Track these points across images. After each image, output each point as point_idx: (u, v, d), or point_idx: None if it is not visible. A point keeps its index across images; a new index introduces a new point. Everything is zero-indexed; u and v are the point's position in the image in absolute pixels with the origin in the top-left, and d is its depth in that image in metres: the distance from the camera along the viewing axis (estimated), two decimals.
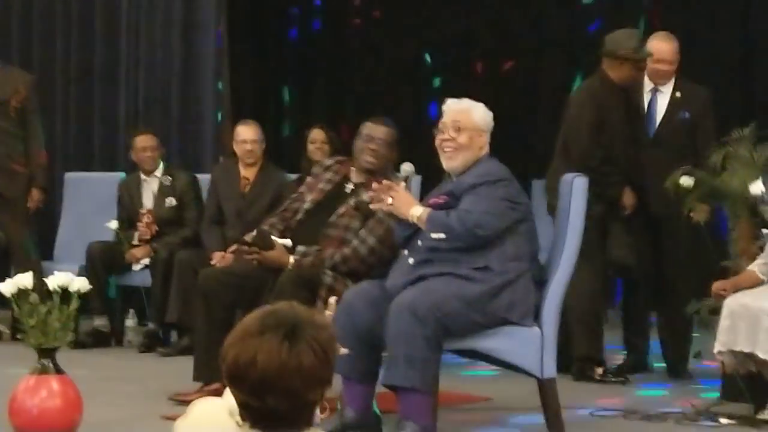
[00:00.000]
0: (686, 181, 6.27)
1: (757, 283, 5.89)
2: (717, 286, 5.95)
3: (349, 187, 6.10)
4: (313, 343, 2.34)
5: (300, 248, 5.97)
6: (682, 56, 6.99)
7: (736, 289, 5.85)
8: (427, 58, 10.85)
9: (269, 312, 2.41)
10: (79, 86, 9.55)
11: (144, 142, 8.27)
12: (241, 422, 2.41)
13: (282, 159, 9.07)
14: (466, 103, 5.45)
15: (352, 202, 6.02)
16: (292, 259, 5.90)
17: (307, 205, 6.14)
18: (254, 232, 6.03)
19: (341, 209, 6.01)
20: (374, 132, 6.02)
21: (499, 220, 5.23)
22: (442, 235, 5.20)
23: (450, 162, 5.39)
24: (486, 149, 5.42)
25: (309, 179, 6.31)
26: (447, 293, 5.16)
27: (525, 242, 5.34)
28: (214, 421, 2.47)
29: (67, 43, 9.60)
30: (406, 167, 5.53)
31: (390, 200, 5.33)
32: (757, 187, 6.08)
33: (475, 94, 5.62)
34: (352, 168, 6.13)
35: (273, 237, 5.99)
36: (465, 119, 5.37)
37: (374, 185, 5.50)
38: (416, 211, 5.28)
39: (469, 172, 5.34)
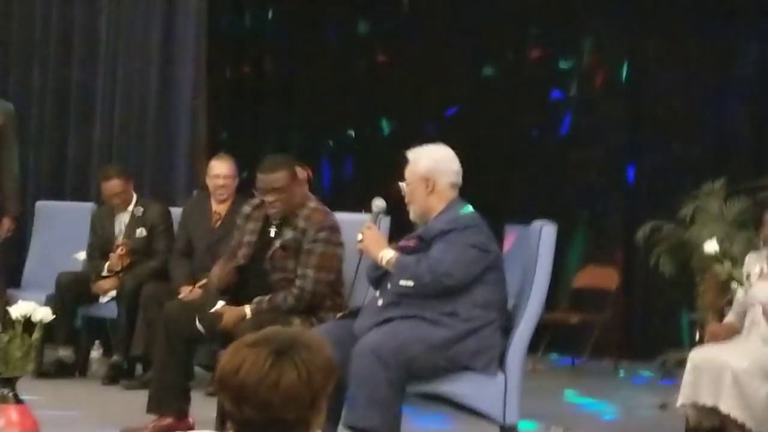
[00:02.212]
0: (711, 247, 6.16)
1: (733, 334, 5.93)
2: (713, 329, 5.95)
3: (272, 230, 6.17)
4: (299, 364, 2.36)
5: (255, 300, 6.04)
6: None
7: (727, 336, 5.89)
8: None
9: (272, 329, 2.46)
10: (55, 114, 9.51)
11: (111, 189, 8.16)
12: None
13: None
14: (417, 152, 5.43)
15: (277, 244, 6.09)
16: (248, 309, 5.96)
17: (240, 262, 6.22)
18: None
19: (270, 253, 6.10)
20: (265, 183, 6.05)
21: (468, 269, 5.21)
22: (410, 283, 5.19)
23: (410, 215, 5.43)
24: (446, 194, 5.38)
25: (236, 233, 6.38)
26: (412, 337, 5.15)
27: (493, 290, 5.32)
28: None
29: (44, 70, 9.57)
30: (378, 203, 5.52)
31: (359, 237, 5.35)
32: (711, 246, 6.09)
33: (451, 141, 5.60)
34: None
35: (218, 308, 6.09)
36: (409, 172, 5.40)
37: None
38: (386, 255, 5.28)
39: (439, 218, 5.33)
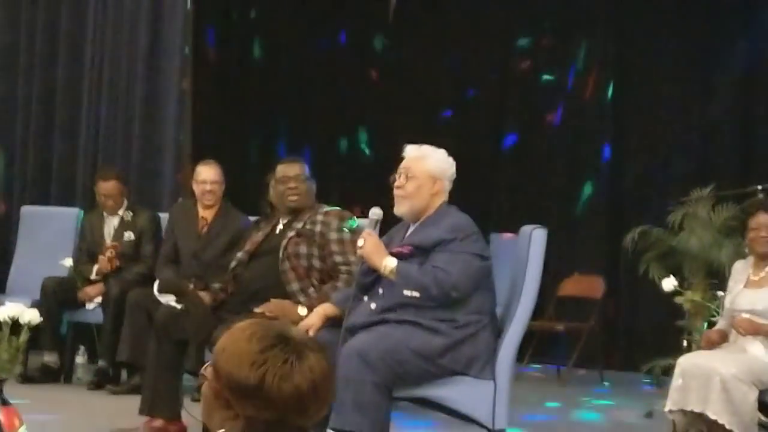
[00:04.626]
0: (669, 284, 6.17)
1: (725, 340, 5.94)
2: (708, 335, 5.95)
3: (279, 228, 6.27)
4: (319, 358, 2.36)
5: (298, 294, 6.03)
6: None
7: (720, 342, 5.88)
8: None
9: (261, 329, 2.38)
10: (40, 119, 9.49)
11: (108, 190, 8.18)
12: None
13: (244, 198, 9.00)
14: (422, 149, 5.42)
15: (291, 233, 6.14)
16: (302, 310, 5.94)
17: (240, 255, 6.30)
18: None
19: (284, 243, 6.13)
20: (288, 171, 6.30)
21: (473, 279, 5.19)
22: (415, 294, 5.15)
23: (397, 208, 5.38)
24: (443, 197, 5.38)
25: (243, 244, 6.50)
26: (402, 341, 5.12)
27: (487, 295, 5.32)
28: None
29: (29, 76, 9.55)
30: (376, 211, 5.42)
31: (361, 243, 5.30)
32: (669, 284, 6.09)
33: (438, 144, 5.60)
34: (279, 216, 6.37)
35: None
36: (416, 166, 5.35)
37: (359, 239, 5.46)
38: (388, 263, 5.20)
39: (434, 224, 5.29)
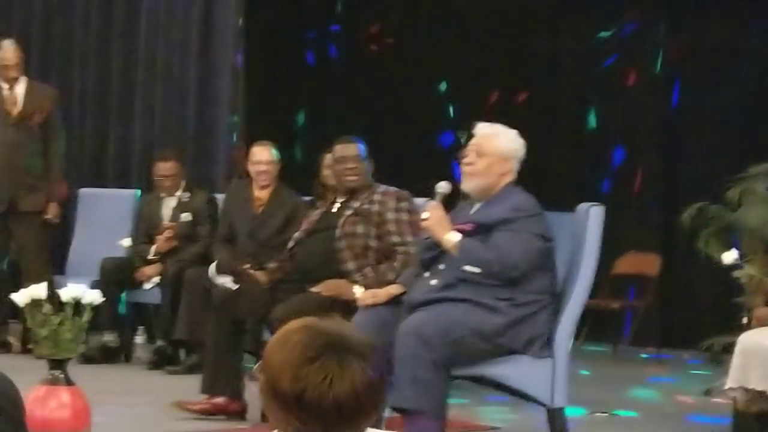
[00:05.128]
0: (730, 257, 6.12)
1: None
2: (760, 314, 5.91)
3: (336, 206, 6.30)
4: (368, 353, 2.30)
5: (354, 274, 6.05)
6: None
7: None
8: (443, 87, 10.86)
9: (330, 338, 2.29)
10: (96, 102, 9.56)
11: (166, 170, 8.30)
12: None
13: (293, 182, 9.03)
14: (494, 128, 5.44)
15: (348, 212, 6.16)
16: (357, 288, 5.91)
17: (297, 235, 6.35)
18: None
19: (341, 221, 6.15)
20: (346, 152, 6.29)
21: (534, 259, 5.20)
22: (476, 270, 5.15)
23: (464, 185, 5.40)
24: (510, 177, 5.38)
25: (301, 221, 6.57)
26: (459, 320, 5.13)
27: (548, 276, 5.32)
28: None
29: (85, 60, 9.62)
30: (443, 185, 5.42)
31: (425, 215, 5.31)
32: (730, 257, 6.05)
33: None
34: (334, 196, 6.43)
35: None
36: (487, 145, 5.36)
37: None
38: (453, 238, 5.20)
39: (498, 203, 5.30)
